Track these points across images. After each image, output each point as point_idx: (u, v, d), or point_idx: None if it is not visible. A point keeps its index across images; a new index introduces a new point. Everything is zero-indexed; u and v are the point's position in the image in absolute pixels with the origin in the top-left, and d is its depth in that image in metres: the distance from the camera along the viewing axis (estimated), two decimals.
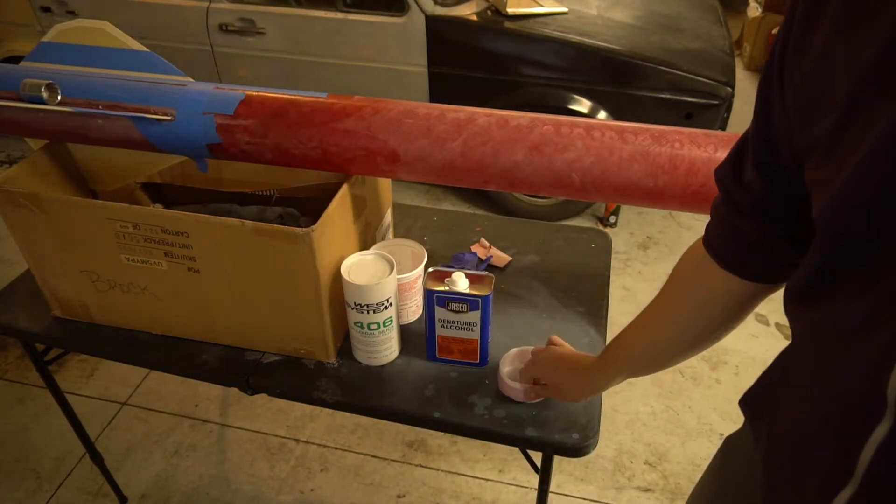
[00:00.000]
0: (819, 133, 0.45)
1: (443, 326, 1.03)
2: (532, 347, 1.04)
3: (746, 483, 0.66)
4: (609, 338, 0.88)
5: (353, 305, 1.00)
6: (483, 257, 1.30)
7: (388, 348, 1.07)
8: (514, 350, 1.06)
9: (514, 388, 1.00)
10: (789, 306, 0.54)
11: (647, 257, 2.65)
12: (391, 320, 1.03)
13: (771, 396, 0.60)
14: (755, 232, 0.60)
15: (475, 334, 1.03)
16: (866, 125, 0.40)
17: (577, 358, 0.94)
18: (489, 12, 2.55)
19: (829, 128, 0.44)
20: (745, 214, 0.60)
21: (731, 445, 0.77)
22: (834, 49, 0.43)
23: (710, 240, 0.66)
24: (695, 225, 2.85)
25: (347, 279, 0.98)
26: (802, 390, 0.52)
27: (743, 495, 0.69)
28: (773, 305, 0.63)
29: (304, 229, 0.92)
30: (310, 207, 1.26)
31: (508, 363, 1.05)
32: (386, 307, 1.00)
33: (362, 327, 1.02)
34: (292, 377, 1.07)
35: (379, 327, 1.02)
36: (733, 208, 0.61)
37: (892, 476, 0.42)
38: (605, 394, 0.97)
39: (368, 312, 1.00)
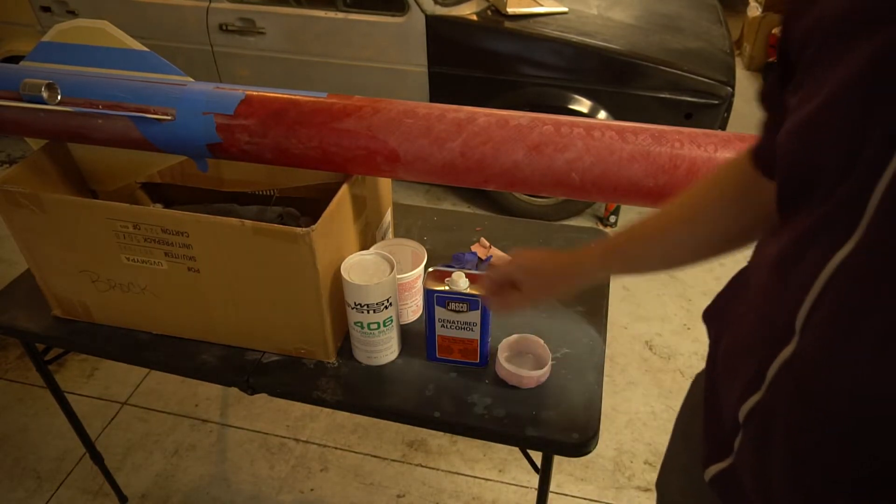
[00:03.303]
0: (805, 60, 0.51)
1: (443, 326, 1.03)
2: (532, 335, 1.07)
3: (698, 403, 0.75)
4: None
5: (353, 305, 1.00)
6: (483, 257, 1.30)
7: (388, 348, 1.07)
8: (514, 336, 1.07)
9: (512, 372, 1.01)
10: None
11: None
12: (391, 320, 1.03)
13: (723, 313, 0.70)
14: None
15: (475, 334, 1.03)
16: (828, 67, 0.46)
17: (562, 252, 0.85)
18: (489, 12, 2.55)
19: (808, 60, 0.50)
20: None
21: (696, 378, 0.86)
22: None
23: (760, 152, 0.67)
24: None
25: (347, 279, 0.98)
26: (742, 310, 0.62)
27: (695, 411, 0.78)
28: None
29: (304, 229, 0.92)
30: (310, 207, 1.26)
31: (507, 348, 1.06)
32: (386, 307, 1.00)
33: (362, 327, 1.02)
34: (292, 377, 1.07)
35: (379, 327, 1.02)
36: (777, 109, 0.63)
37: (789, 387, 0.52)
38: (605, 394, 0.96)
39: (368, 312, 1.00)
